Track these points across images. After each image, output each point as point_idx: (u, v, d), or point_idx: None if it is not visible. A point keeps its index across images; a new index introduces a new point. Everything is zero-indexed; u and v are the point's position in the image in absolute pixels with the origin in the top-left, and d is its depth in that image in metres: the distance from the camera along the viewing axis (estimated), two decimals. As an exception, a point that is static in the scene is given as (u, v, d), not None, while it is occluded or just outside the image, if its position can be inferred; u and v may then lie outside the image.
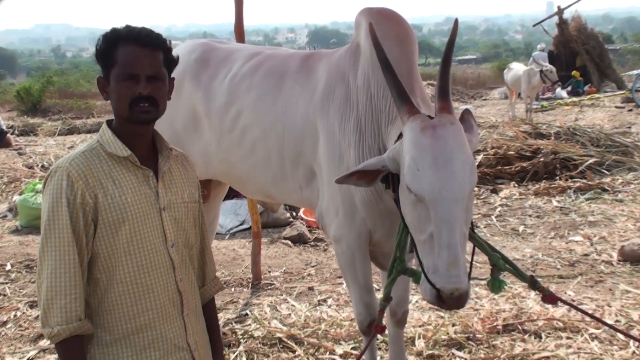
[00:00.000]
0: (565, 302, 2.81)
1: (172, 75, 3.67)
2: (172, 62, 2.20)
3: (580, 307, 4.61)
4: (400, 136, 2.50)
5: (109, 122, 2.19)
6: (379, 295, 3.86)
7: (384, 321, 3.43)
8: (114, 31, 2.10)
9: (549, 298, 2.71)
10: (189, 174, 2.33)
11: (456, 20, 2.59)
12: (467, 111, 2.61)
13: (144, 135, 2.18)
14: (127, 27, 2.13)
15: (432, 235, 2.21)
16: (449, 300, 2.18)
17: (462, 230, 2.21)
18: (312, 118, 3.19)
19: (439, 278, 2.17)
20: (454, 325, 4.39)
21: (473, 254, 2.56)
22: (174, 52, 2.27)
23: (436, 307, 4.65)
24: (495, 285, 2.66)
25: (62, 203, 1.99)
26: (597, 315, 4.46)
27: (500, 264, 2.64)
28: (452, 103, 2.41)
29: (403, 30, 3.03)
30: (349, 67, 3.14)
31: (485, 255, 2.67)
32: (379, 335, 3.52)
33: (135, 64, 2.06)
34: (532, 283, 2.71)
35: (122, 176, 2.10)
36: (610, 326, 3.05)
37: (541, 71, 15.77)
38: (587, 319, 4.40)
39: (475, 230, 2.66)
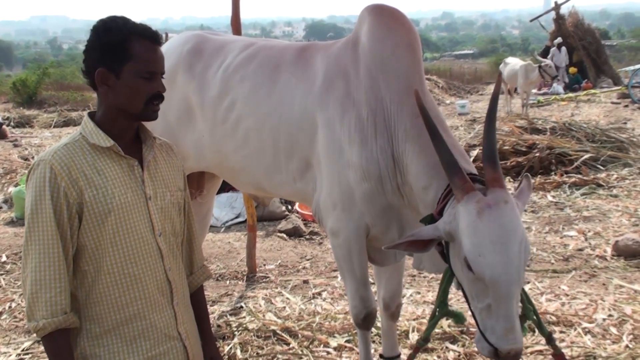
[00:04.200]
0: None
1: (166, 66, 3.68)
2: None
3: (574, 301, 4.65)
4: (449, 193, 2.52)
5: (91, 114, 2.16)
6: (373, 288, 3.87)
7: (378, 314, 3.46)
8: (126, 23, 2.06)
9: (559, 357, 2.85)
10: (174, 163, 2.32)
11: (499, 75, 2.62)
12: (526, 177, 2.66)
13: (133, 128, 2.17)
14: (127, 19, 2.09)
15: (489, 305, 2.32)
16: (506, 357, 2.30)
17: (519, 299, 2.34)
18: (310, 110, 3.17)
19: (497, 340, 2.31)
20: (448, 319, 4.39)
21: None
22: (165, 44, 2.26)
23: (431, 302, 4.70)
24: None
25: (45, 196, 1.97)
26: (591, 309, 4.49)
27: (530, 315, 2.76)
28: (501, 171, 2.43)
29: (413, 36, 3.05)
30: (349, 61, 3.13)
31: (521, 304, 2.75)
32: (373, 329, 3.53)
33: (155, 62, 2.08)
34: (549, 339, 2.83)
35: (107, 167, 2.08)
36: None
37: (540, 66, 15.77)
38: (580, 313, 4.43)
39: None
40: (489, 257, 2.26)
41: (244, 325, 4.52)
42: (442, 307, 2.79)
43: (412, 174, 2.83)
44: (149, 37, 2.07)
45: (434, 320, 2.83)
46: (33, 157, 11.49)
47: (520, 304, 2.76)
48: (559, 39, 21.51)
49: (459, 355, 3.95)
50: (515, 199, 2.46)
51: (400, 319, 4.11)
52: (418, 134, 2.81)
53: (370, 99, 2.99)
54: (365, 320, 3.25)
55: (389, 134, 2.94)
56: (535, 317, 2.78)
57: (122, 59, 2.04)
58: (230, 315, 4.78)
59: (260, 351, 4.15)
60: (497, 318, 2.30)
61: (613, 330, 4.17)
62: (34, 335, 4.40)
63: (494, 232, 2.28)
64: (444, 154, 2.46)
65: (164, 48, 3.62)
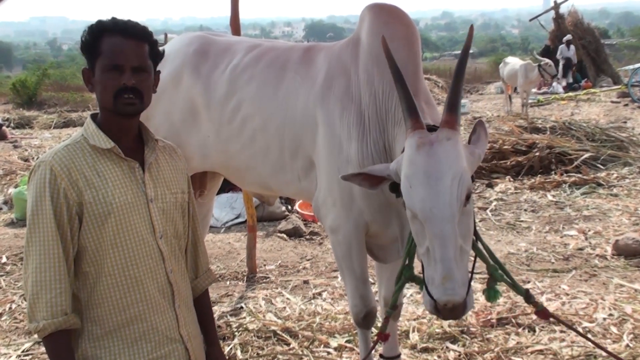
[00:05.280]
0: (557, 319, 2.86)
1: (171, 67, 3.70)
2: (157, 55, 2.20)
3: (574, 300, 4.65)
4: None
5: (93, 116, 2.18)
6: (374, 288, 3.87)
7: (378, 315, 3.46)
8: (100, 23, 2.10)
9: (542, 313, 2.77)
10: (177, 165, 2.32)
11: (471, 27, 2.55)
12: (479, 122, 2.62)
13: (129, 128, 2.17)
14: (113, 19, 2.13)
15: (428, 249, 2.27)
16: (444, 311, 2.24)
17: (457, 244, 2.24)
18: (312, 108, 3.19)
19: (435, 290, 2.23)
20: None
21: (474, 263, 2.60)
22: (167, 45, 2.26)
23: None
24: (490, 294, 2.72)
25: (45, 197, 1.99)
26: (591, 308, 4.49)
27: (496, 274, 2.69)
28: (459, 116, 2.40)
29: (411, 31, 3.05)
30: (350, 59, 3.15)
31: (484, 263, 2.71)
32: (372, 328, 3.53)
33: (120, 55, 2.06)
34: (527, 297, 2.76)
35: (107, 169, 2.09)
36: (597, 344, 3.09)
37: (539, 65, 15.76)
38: (581, 312, 4.43)
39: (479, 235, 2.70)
40: (419, 189, 2.24)
41: (244, 326, 4.52)
42: (406, 271, 2.71)
43: (397, 153, 2.80)
44: (119, 32, 2.08)
45: (398, 284, 2.75)
46: (33, 158, 11.49)
47: (484, 264, 2.70)
48: (569, 36, 21.45)
49: (459, 355, 3.95)
50: (472, 145, 2.47)
51: (400, 318, 4.11)
52: None
53: (365, 94, 3.01)
54: (365, 320, 3.24)
55: (382, 126, 2.95)
56: (506, 277, 2.71)
57: (94, 56, 2.07)
58: (231, 315, 4.77)
59: (260, 351, 4.15)
60: (434, 263, 2.22)
61: (613, 329, 4.17)
62: (35, 336, 4.42)
63: (427, 164, 2.26)
64: (404, 97, 2.45)
65: (167, 49, 3.64)
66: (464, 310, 2.26)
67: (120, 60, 2.05)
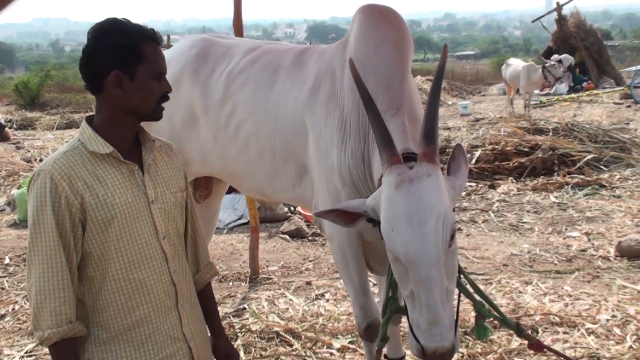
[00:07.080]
0: (550, 350, 2.83)
1: (173, 71, 3.71)
2: None
3: (577, 302, 4.65)
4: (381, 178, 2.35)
5: (88, 120, 2.16)
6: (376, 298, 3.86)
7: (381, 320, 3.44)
8: (136, 26, 2.09)
9: (535, 346, 2.72)
10: (174, 163, 2.32)
11: (445, 46, 2.44)
12: (458, 147, 2.43)
13: (134, 130, 2.18)
14: (134, 23, 2.12)
15: (412, 292, 2.15)
16: (432, 357, 2.11)
17: (443, 286, 2.11)
18: (300, 114, 3.14)
19: (422, 335, 2.10)
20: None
21: (459, 301, 2.50)
22: (173, 47, 2.28)
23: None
24: (480, 332, 2.64)
25: (46, 206, 1.98)
26: (594, 310, 4.48)
27: (484, 311, 2.62)
28: (437, 146, 2.24)
29: (401, 34, 2.94)
30: (338, 62, 3.09)
31: (470, 300, 2.64)
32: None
33: (163, 63, 2.13)
34: (518, 331, 2.70)
35: (107, 173, 2.08)
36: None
37: (544, 67, 15.75)
38: (584, 314, 4.42)
39: (465, 271, 2.66)
40: (402, 232, 2.08)
41: (247, 327, 4.52)
42: (391, 303, 2.61)
43: (374, 169, 2.70)
44: (154, 39, 2.12)
45: (385, 318, 2.66)
46: (36, 160, 11.51)
47: (470, 300, 2.65)
48: (555, 56, 21.14)
49: (462, 356, 3.95)
50: (452, 177, 2.32)
51: (405, 319, 4.10)
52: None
53: (349, 100, 2.92)
54: (367, 332, 3.14)
55: (364, 133, 2.84)
56: (495, 312, 2.65)
57: (136, 61, 2.06)
58: (234, 316, 4.78)
59: (263, 352, 4.15)
60: (420, 308, 2.08)
61: (617, 330, 4.16)
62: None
63: (409, 205, 2.09)
64: (377, 127, 2.30)
65: (171, 52, 3.64)
66: (452, 353, 2.14)
67: (163, 68, 2.13)
